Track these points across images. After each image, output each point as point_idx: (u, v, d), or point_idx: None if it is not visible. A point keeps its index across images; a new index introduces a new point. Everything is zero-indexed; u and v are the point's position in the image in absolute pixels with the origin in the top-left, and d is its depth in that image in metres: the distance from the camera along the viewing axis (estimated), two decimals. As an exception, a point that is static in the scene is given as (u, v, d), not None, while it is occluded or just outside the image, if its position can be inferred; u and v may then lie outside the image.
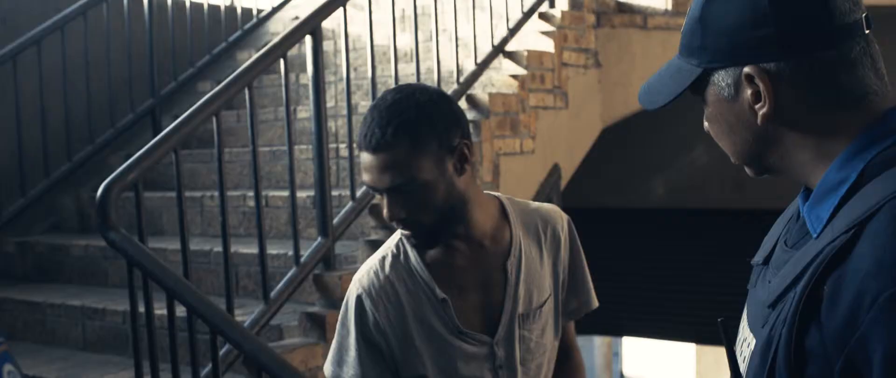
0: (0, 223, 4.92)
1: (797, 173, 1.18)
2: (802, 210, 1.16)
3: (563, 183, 5.00)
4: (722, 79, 1.17)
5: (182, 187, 3.22)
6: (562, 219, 2.01)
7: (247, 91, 3.42)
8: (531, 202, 2.03)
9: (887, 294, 0.97)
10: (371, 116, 1.76)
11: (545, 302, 1.94)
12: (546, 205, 2.05)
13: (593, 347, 15.57)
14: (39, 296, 4.38)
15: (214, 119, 3.31)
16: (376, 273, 1.89)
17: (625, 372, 13.12)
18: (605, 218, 7.63)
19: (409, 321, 1.86)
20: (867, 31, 1.12)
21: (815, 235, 1.11)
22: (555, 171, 4.88)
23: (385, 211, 1.78)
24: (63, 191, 5.14)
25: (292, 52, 4.29)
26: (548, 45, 4.81)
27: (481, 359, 1.88)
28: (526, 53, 4.66)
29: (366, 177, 1.78)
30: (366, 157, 1.76)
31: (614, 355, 14.96)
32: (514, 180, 4.49)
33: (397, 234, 1.93)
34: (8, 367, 0.85)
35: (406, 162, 1.73)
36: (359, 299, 1.88)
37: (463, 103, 4.39)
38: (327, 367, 1.95)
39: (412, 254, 1.89)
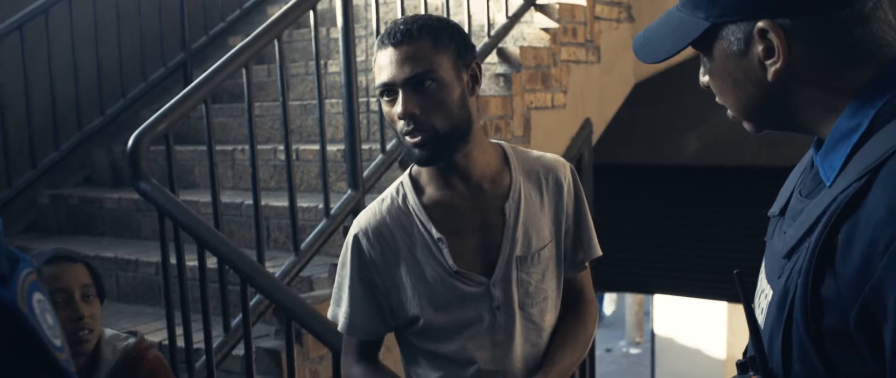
0: (34, 176, 4.98)
1: (806, 126, 1.17)
2: (816, 159, 1.16)
3: (595, 138, 4.96)
4: (731, 33, 1.16)
5: (213, 139, 3.23)
6: (564, 167, 2.01)
7: (276, 43, 3.41)
8: (534, 151, 2.03)
9: None
10: (393, 23, 1.81)
11: (545, 247, 1.94)
12: (549, 154, 2.05)
13: (625, 306, 15.61)
14: (73, 247, 4.42)
15: (244, 71, 3.30)
16: (374, 214, 1.91)
17: (656, 330, 13.14)
18: (636, 175, 7.58)
19: (405, 261, 1.88)
20: None
21: (828, 184, 1.10)
22: (586, 125, 4.84)
23: (398, 108, 1.77)
24: (96, 144, 5.18)
25: (323, 6, 4.28)
26: (580, -1, 4.76)
27: (478, 300, 1.89)
28: (558, 6, 4.60)
29: (383, 75, 1.78)
30: (386, 54, 1.78)
31: (646, 314, 14.97)
32: (545, 135, 4.46)
33: (399, 180, 1.95)
34: (37, 296, 0.85)
35: (428, 55, 1.77)
36: (356, 238, 1.91)
37: (494, 57, 4.36)
38: (329, 311, 2.01)
39: (411, 195, 1.90)
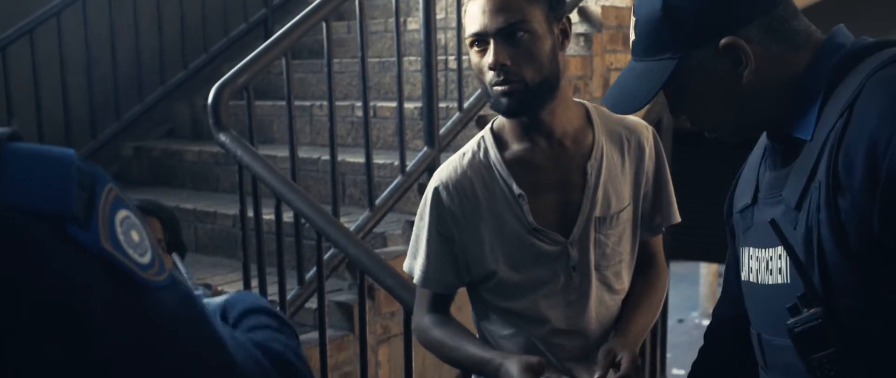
0: (118, 128, 5.10)
1: (768, 112, 1.33)
2: (787, 128, 1.31)
3: (675, 102, 4.88)
4: (696, 59, 1.30)
5: (292, 93, 3.25)
6: (647, 130, 1.98)
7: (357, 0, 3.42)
8: (620, 115, 1.99)
9: None
10: None
11: (624, 209, 1.92)
12: (632, 116, 2.02)
13: (699, 276, 15.40)
14: (154, 198, 4.51)
15: (324, 26, 3.31)
16: (455, 168, 1.90)
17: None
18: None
19: (484, 216, 1.87)
20: None
21: (808, 138, 1.25)
22: (666, 89, 4.76)
23: (489, 58, 1.76)
24: (178, 98, 5.27)
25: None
26: (665, -41, 4.66)
27: (555, 258, 1.87)
28: (641, -33, 4.52)
29: (475, 25, 1.77)
30: (478, 3, 1.77)
31: (719, 286, 14.75)
32: (625, 97, 4.40)
33: (480, 134, 1.93)
34: (121, 214, 0.84)
35: (521, 6, 1.76)
36: (436, 191, 1.89)
37: (575, 16, 4.30)
38: (405, 263, 2.01)
39: (493, 151, 1.88)
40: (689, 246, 8.53)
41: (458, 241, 1.89)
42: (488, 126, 1.94)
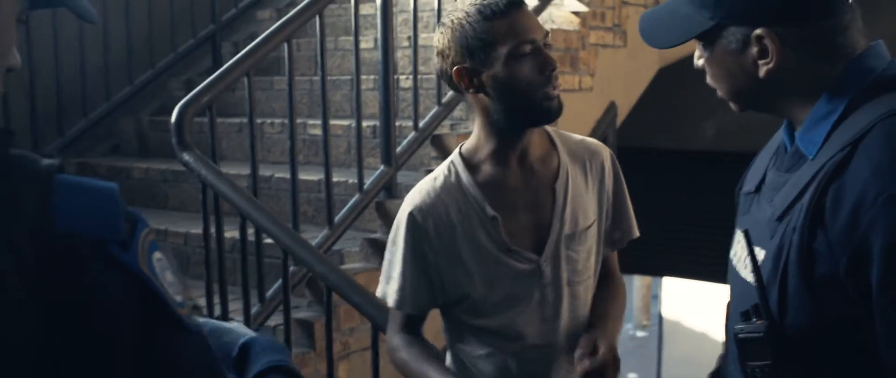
0: (62, 144, 5.01)
1: (784, 111, 1.39)
2: (796, 138, 1.36)
3: (619, 121, 5.00)
4: (732, 33, 1.34)
5: (254, 112, 3.27)
6: (606, 151, 2.08)
7: (318, 19, 3.45)
8: (575, 135, 2.09)
9: (886, 194, 1.16)
10: None
11: (590, 226, 2.00)
12: (590, 138, 2.12)
13: (633, 289, 15.64)
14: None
15: (286, 46, 3.34)
16: (428, 192, 1.95)
17: (664, 313, 13.18)
18: (655, 158, 7.62)
19: (459, 238, 1.93)
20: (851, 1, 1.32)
21: (811, 157, 1.30)
22: (611, 109, 4.88)
23: (548, 62, 1.84)
24: (124, 114, 5.21)
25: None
26: (609, -18, 4.78)
27: (528, 277, 1.94)
28: (588, -10, 4.63)
29: (526, 33, 1.84)
30: (513, 17, 1.84)
31: (653, 297, 15.01)
32: (572, 116, 4.47)
33: (449, 159, 2.00)
34: (157, 255, 0.87)
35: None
36: (411, 215, 1.94)
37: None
38: (379, 289, 2.04)
39: (464, 174, 1.95)
40: (621, 259, 8.69)
41: (434, 264, 1.95)
42: (456, 150, 2.00)
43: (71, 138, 5.06)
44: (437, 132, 3.96)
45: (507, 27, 1.83)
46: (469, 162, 1.97)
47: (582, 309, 2.02)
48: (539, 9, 4.40)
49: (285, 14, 3.49)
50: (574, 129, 4.30)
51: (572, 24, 4.55)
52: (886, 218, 1.16)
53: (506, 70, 1.85)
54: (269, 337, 1.32)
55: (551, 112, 1.88)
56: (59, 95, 4.91)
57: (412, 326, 2.06)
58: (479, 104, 1.91)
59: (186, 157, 3.02)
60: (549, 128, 2.02)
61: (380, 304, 2.45)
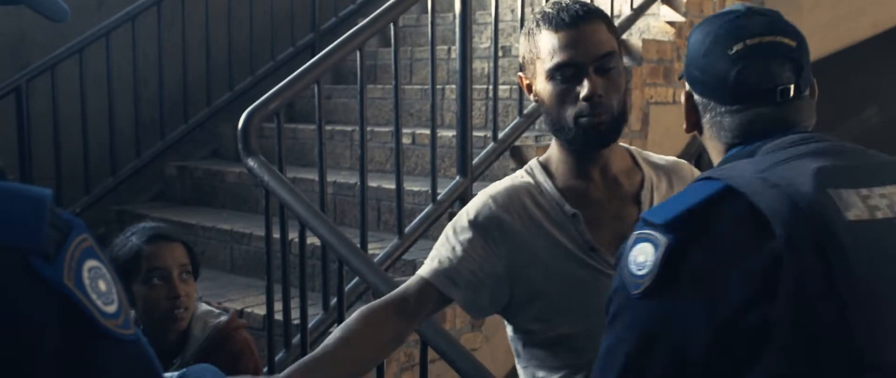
0: (163, 147, 5.17)
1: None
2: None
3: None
4: (687, 90, 1.51)
5: (323, 119, 3.27)
6: (690, 170, 1.98)
7: (392, 27, 3.43)
8: (656, 154, 2.00)
9: None
10: (556, 4, 1.79)
11: None
12: (673, 157, 2.02)
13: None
14: (194, 218, 4.58)
15: (358, 54, 3.33)
16: (507, 188, 1.87)
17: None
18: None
19: (538, 235, 1.82)
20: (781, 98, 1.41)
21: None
22: (709, 124, 4.70)
23: (585, 89, 1.74)
24: (223, 119, 5.33)
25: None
26: (710, -8, 4.62)
27: (607, 281, 1.83)
28: (685, 0, 4.48)
29: (564, 55, 1.75)
30: (563, 35, 1.76)
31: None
32: (663, 130, 4.35)
33: (528, 164, 1.91)
34: (89, 264, 0.84)
35: (608, 37, 1.79)
36: (487, 204, 1.83)
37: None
38: (424, 265, 1.89)
39: (542, 177, 1.86)
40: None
41: (502, 256, 1.81)
42: (535, 159, 1.92)
43: (172, 141, 5.22)
44: (517, 143, 3.90)
45: (550, 44, 1.77)
46: (547, 169, 1.89)
47: None
48: (632, 18, 4.31)
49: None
50: (665, 143, 4.19)
51: (667, 34, 4.41)
52: None
53: (543, 87, 1.80)
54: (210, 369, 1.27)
55: (588, 139, 1.78)
56: (163, 100, 5.08)
57: (402, 306, 1.84)
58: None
59: (251, 162, 3.04)
60: (628, 146, 1.95)
61: (434, 321, 2.41)
